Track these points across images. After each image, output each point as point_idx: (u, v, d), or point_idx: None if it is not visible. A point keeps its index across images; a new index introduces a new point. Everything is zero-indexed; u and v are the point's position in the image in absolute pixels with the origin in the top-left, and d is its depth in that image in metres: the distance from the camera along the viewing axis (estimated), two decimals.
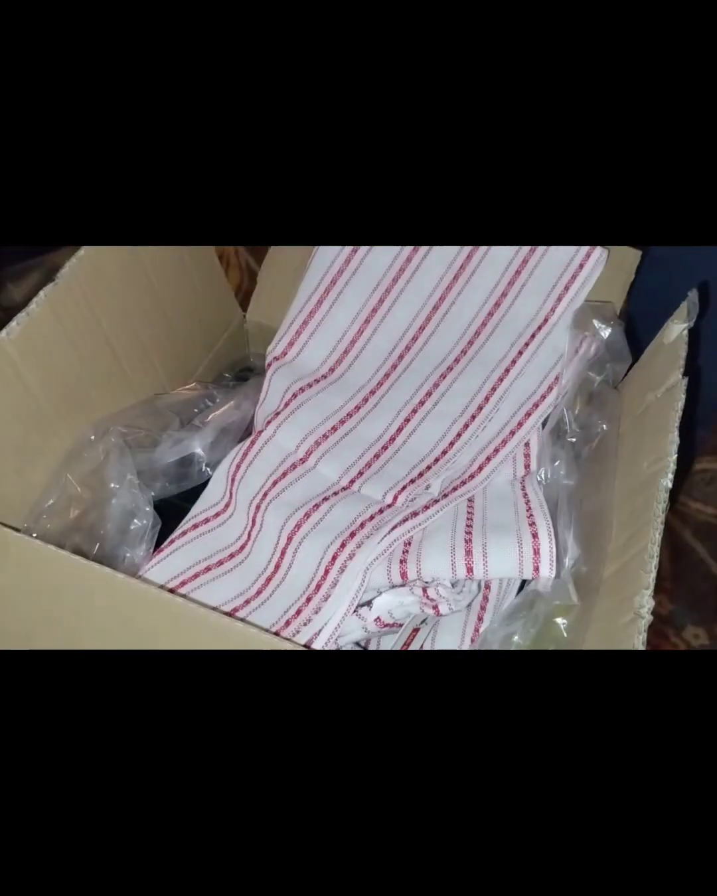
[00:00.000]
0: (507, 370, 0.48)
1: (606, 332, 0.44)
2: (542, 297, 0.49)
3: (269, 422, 0.47)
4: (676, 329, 0.40)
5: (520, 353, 0.48)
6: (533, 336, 0.48)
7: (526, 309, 0.49)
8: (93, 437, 0.42)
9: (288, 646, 0.32)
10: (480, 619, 0.43)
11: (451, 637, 0.42)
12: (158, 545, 0.43)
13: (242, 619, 0.34)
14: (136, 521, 0.42)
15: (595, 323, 0.45)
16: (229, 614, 0.36)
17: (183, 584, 0.40)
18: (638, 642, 0.30)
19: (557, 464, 0.41)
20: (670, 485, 0.34)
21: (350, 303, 0.50)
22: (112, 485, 0.42)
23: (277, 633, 0.38)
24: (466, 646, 0.40)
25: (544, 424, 0.45)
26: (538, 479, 0.43)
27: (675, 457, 0.34)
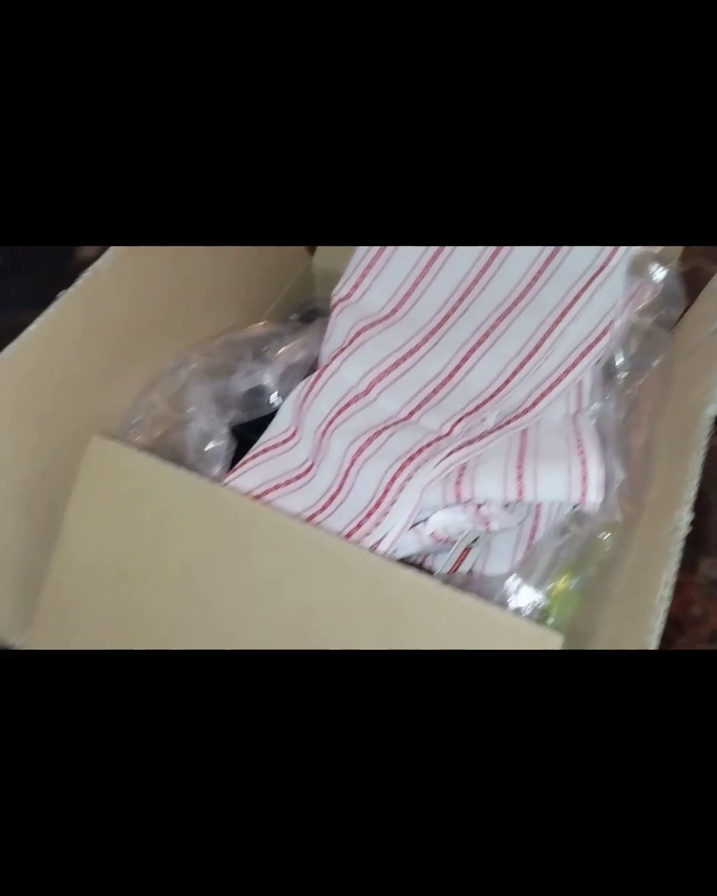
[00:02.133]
0: (563, 314, 0.50)
1: (661, 276, 0.46)
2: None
3: (334, 357, 0.50)
4: None
5: (576, 298, 0.50)
6: (590, 281, 0.50)
7: (584, 255, 0.50)
8: (174, 364, 0.45)
9: (355, 549, 0.36)
10: (529, 546, 0.46)
11: (502, 559, 0.45)
12: (230, 468, 0.47)
13: (315, 524, 0.37)
14: (213, 442, 0.46)
15: (652, 268, 0.47)
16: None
17: (254, 500, 0.44)
18: (675, 550, 0.32)
19: (607, 398, 0.43)
20: (715, 413, 0.36)
21: (412, 249, 0.53)
22: (191, 408, 0.45)
23: None
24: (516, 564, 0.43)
25: (597, 364, 0.47)
26: (590, 414, 0.45)
27: None
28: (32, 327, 0.38)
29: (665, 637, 0.76)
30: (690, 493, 0.33)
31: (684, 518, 0.33)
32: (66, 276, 0.40)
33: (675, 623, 0.70)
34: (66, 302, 0.39)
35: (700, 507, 0.70)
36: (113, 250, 0.41)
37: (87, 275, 0.40)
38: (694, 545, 0.71)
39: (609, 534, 0.37)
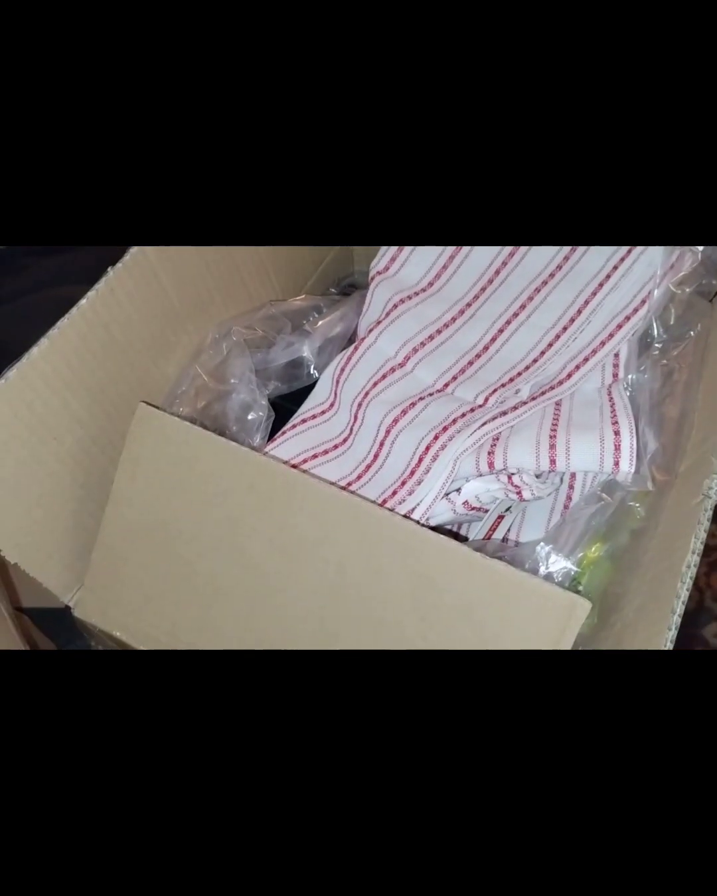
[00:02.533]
0: (601, 284, 0.49)
1: (701, 246, 0.45)
2: None
3: (371, 330, 0.51)
4: None
5: (615, 267, 0.50)
6: (629, 251, 0.50)
7: None
8: (217, 336, 0.47)
9: (389, 515, 0.37)
10: (563, 515, 0.46)
11: (536, 526, 0.46)
12: (269, 438, 0.48)
13: (351, 491, 0.39)
14: (253, 413, 0.47)
15: None
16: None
17: (294, 468, 0.46)
18: (704, 518, 0.33)
19: (643, 369, 0.43)
20: None
21: None
22: (233, 380, 0.47)
23: None
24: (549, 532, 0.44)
25: (634, 335, 0.47)
26: (624, 385, 0.45)
27: None
28: (83, 302, 0.40)
29: (708, 611, 0.75)
30: None
31: (713, 487, 0.33)
32: (116, 253, 0.42)
33: None
34: (115, 277, 0.41)
35: None
36: None
37: (133, 251, 0.42)
38: None
39: (640, 503, 0.37)
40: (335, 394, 0.50)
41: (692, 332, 0.43)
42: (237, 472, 0.39)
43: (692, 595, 0.31)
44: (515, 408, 0.45)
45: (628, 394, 0.44)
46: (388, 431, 0.46)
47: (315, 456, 0.47)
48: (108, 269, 0.41)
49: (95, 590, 0.43)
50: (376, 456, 0.46)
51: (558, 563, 0.38)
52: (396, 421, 0.46)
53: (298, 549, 0.38)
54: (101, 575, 0.43)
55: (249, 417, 0.47)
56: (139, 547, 0.42)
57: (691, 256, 0.46)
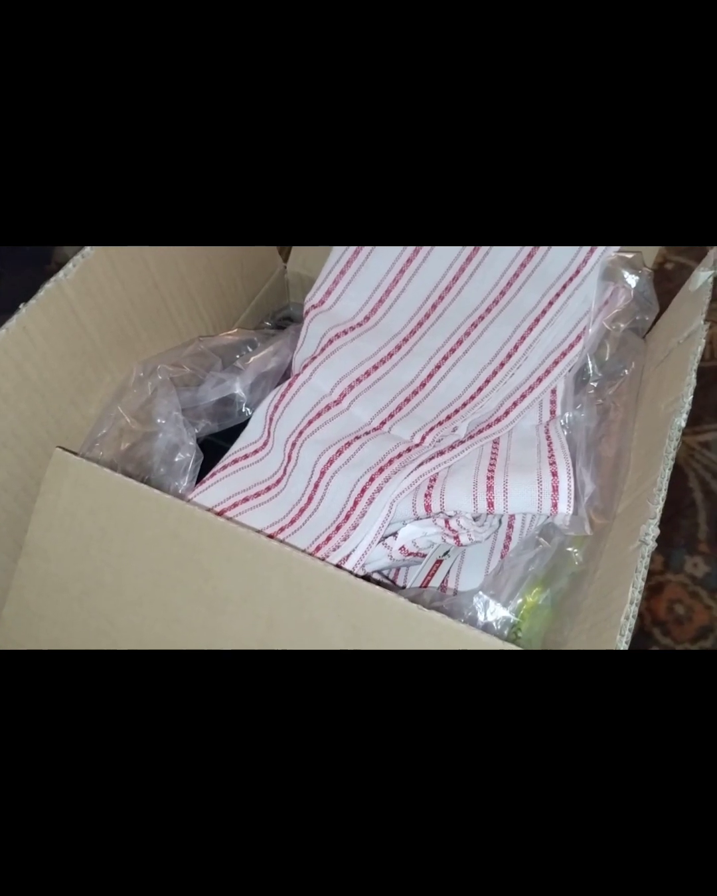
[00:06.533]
0: (537, 320, 0.49)
1: (634, 282, 0.46)
2: (574, 249, 0.50)
3: (306, 366, 0.49)
4: (702, 277, 0.41)
5: (550, 303, 0.49)
6: (564, 287, 0.50)
7: (558, 260, 0.50)
8: (141, 375, 0.45)
9: (321, 566, 0.35)
10: (502, 556, 0.45)
11: (475, 570, 0.44)
12: (199, 479, 0.46)
13: (280, 540, 0.37)
14: (180, 454, 0.45)
15: (625, 273, 0.46)
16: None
17: (222, 512, 0.43)
18: (641, 566, 0.32)
19: (579, 407, 0.43)
20: (683, 424, 0.35)
21: (386, 254, 0.52)
22: (159, 420, 0.45)
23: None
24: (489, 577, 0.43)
25: (570, 372, 0.47)
26: (562, 423, 0.45)
27: (691, 398, 0.36)
28: None
29: (649, 636, 0.75)
30: (656, 507, 0.33)
31: (650, 532, 0.33)
32: (46, 280, 0.39)
33: (659, 623, 0.70)
34: (27, 315, 0.39)
35: (683, 506, 0.69)
36: (79, 259, 0.41)
37: (48, 286, 0.39)
38: (677, 545, 0.71)
39: (579, 549, 0.36)
40: (269, 432, 0.48)
41: (626, 370, 0.43)
42: (160, 521, 0.37)
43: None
44: (452, 447, 0.44)
45: (565, 433, 0.43)
46: (323, 472, 0.44)
47: (246, 499, 0.44)
48: (21, 306, 0.38)
49: (7, 649, 0.40)
50: (310, 499, 0.44)
51: (496, 612, 0.37)
52: (331, 461, 0.44)
53: (226, 603, 0.36)
54: (14, 633, 0.40)
55: (176, 459, 0.45)
56: (55, 602, 0.39)
57: (624, 293, 0.46)
